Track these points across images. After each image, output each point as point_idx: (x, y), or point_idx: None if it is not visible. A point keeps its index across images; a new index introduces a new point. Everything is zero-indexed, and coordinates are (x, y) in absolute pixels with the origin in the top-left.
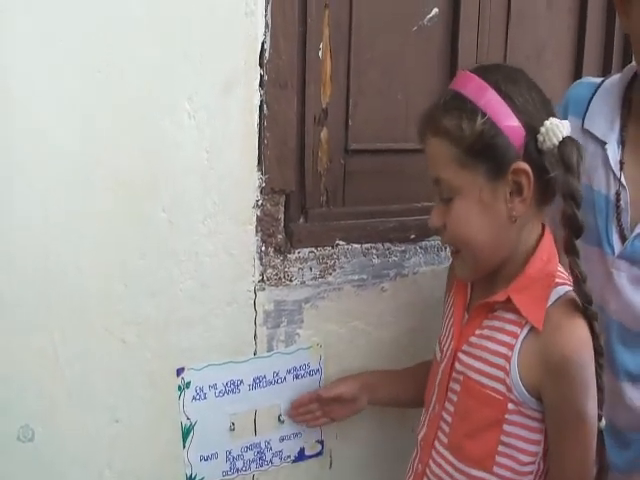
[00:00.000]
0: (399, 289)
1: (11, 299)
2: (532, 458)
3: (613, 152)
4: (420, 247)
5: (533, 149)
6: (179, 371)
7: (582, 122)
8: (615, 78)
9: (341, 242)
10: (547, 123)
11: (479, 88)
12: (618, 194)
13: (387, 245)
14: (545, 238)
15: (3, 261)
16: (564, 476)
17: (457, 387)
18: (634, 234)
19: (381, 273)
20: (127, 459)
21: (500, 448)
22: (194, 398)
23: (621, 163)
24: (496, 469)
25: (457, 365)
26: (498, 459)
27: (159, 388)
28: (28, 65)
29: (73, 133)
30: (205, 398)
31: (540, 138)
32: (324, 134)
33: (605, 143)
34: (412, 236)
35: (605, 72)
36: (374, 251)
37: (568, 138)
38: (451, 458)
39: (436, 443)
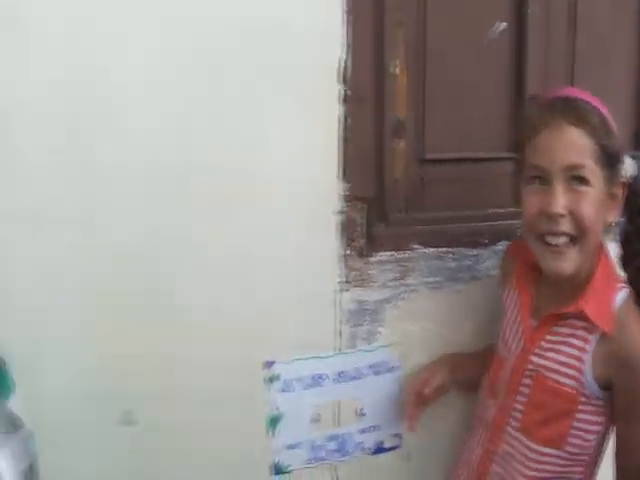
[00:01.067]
0: (473, 291)
1: (120, 298)
2: (596, 435)
3: None
4: (493, 251)
5: None
6: (269, 364)
7: None
8: None
9: (418, 246)
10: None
11: (599, 104)
12: None
13: (461, 249)
14: (603, 249)
15: (114, 265)
16: (631, 455)
17: (529, 382)
18: None
19: (456, 276)
20: (219, 445)
21: (572, 431)
22: (282, 390)
23: None
24: (566, 447)
25: (529, 365)
26: (569, 440)
27: (250, 379)
28: (139, 91)
29: (174, 149)
30: (292, 390)
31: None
32: (401, 145)
33: None
34: (485, 241)
35: None
36: (449, 255)
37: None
38: (524, 439)
39: (508, 427)
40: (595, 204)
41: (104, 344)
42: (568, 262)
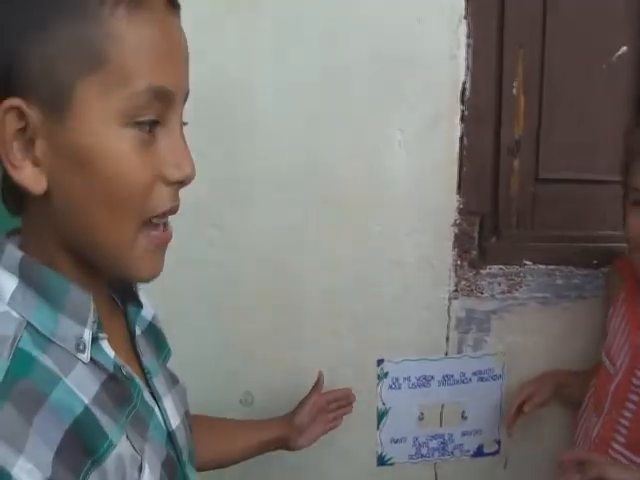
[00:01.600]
0: (579, 310)
1: (247, 290)
2: None
3: None
4: (601, 272)
5: None
6: (379, 362)
7: None
8: None
9: (528, 262)
10: None
11: None
12: None
13: (570, 268)
14: None
15: (236, 257)
16: None
17: (636, 398)
18: None
19: (563, 294)
20: (329, 432)
21: None
22: (390, 387)
23: None
24: None
25: (634, 380)
26: None
27: (361, 375)
28: (273, 102)
29: (303, 158)
30: (400, 388)
31: None
32: (516, 163)
33: None
34: (594, 262)
35: None
36: (558, 273)
37: None
38: (629, 454)
39: (613, 442)
40: None
41: (232, 327)
42: None
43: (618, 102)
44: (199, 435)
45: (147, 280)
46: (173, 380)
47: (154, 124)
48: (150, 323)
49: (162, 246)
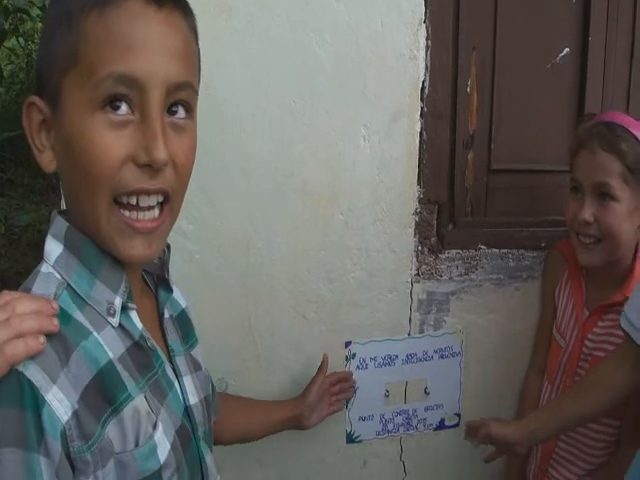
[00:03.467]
0: (530, 289)
1: (218, 280)
2: None
3: None
4: None
5: None
6: (347, 344)
7: None
8: None
9: (483, 246)
10: None
11: (635, 124)
12: None
13: (521, 251)
14: None
15: (210, 250)
16: None
17: (586, 365)
18: None
19: (515, 274)
20: None
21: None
22: (358, 367)
23: None
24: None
25: (584, 350)
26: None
27: (330, 356)
28: (244, 97)
29: (272, 151)
30: (367, 368)
31: None
32: (470, 156)
33: None
34: (543, 244)
35: None
36: (510, 255)
37: None
38: None
39: None
40: (621, 216)
41: (204, 316)
42: (594, 257)
43: (562, 99)
44: (224, 410)
45: (132, 260)
46: (196, 365)
47: (131, 109)
48: (183, 311)
49: (141, 231)
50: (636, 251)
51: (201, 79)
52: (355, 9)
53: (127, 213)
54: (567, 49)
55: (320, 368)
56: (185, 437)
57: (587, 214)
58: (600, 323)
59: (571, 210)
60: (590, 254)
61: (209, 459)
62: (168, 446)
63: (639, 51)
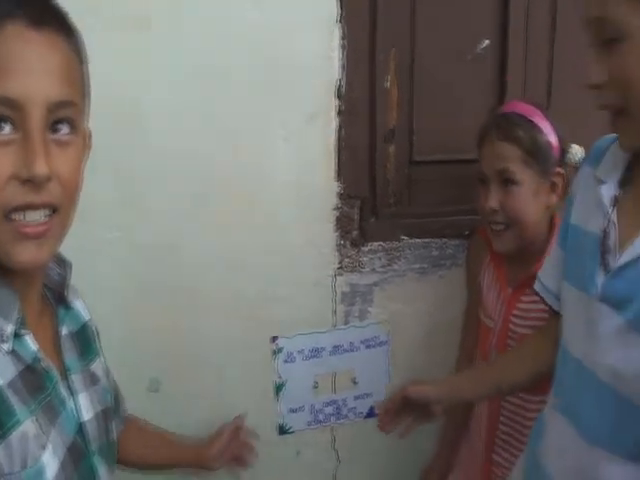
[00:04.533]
0: (454, 276)
1: (145, 283)
2: None
3: (608, 190)
4: None
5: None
6: (274, 338)
7: (595, 170)
8: None
9: (405, 237)
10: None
11: (537, 114)
12: (607, 232)
13: (444, 240)
14: (556, 221)
15: (137, 256)
16: None
17: (513, 343)
18: (613, 272)
19: (439, 263)
20: (230, 408)
21: None
22: (285, 361)
23: (615, 201)
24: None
25: (511, 326)
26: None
27: (258, 352)
28: (163, 104)
29: (193, 155)
30: (294, 361)
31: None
32: (392, 149)
33: (605, 183)
34: (466, 232)
35: None
36: (433, 245)
37: None
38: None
39: None
40: (526, 198)
41: (134, 319)
42: (507, 243)
43: (483, 89)
44: (128, 434)
45: (24, 266)
46: (93, 380)
47: (14, 128)
48: (84, 325)
49: (31, 235)
50: (552, 226)
51: (121, 87)
52: (270, 11)
53: (18, 223)
54: (487, 40)
55: (232, 427)
56: (77, 453)
57: (493, 202)
58: (523, 298)
59: (480, 200)
60: (502, 240)
61: (103, 472)
62: (57, 465)
63: (559, 39)
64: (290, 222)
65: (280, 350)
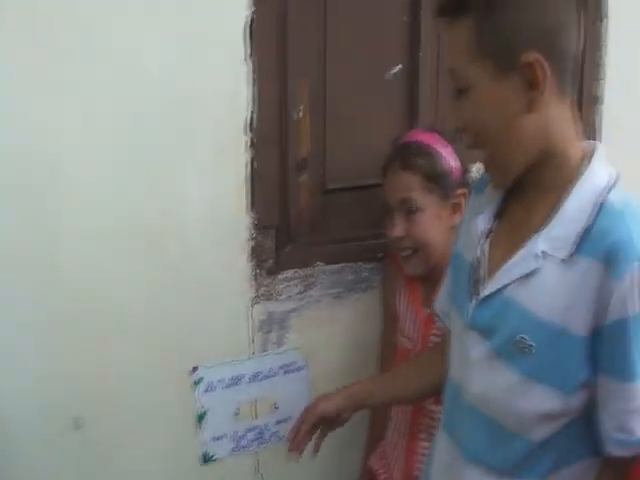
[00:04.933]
0: (369, 299)
1: (69, 325)
2: None
3: (483, 221)
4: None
5: None
6: (194, 369)
7: (478, 199)
8: None
9: (320, 263)
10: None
11: (438, 141)
12: (478, 261)
13: (359, 264)
14: None
15: (57, 295)
16: None
17: None
18: (479, 301)
19: (354, 287)
20: (155, 440)
21: None
22: (206, 390)
23: (489, 232)
24: None
25: (430, 345)
26: None
27: (179, 383)
28: (79, 145)
29: (108, 192)
30: (214, 390)
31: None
32: (305, 178)
33: (482, 213)
34: (380, 255)
35: None
36: (348, 269)
37: None
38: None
39: (426, 404)
40: (429, 223)
41: (54, 357)
42: (416, 266)
43: (396, 114)
44: None
45: None
46: None
47: None
48: None
49: None
50: None
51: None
52: (181, 50)
53: None
54: (399, 66)
55: None
56: None
57: (397, 231)
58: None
59: (387, 228)
60: (411, 264)
61: None
62: None
63: None
64: (205, 254)
65: (200, 380)
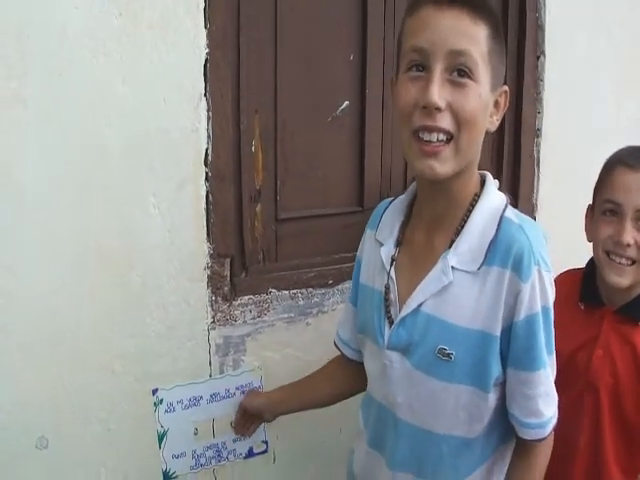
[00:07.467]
0: (320, 323)
1: (28, 346)
2: None
3: (387, 250)
4: (337, 290)
5: None
6: (154, 391)
7: (375, 233)
8: (403, 195)
9: (273, 290)
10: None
11: None
12: (387, 288)
13: (310, 290)
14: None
15: (21, 321)
16: None
17: None
18: (396, 323)
19: (306, 311)
20: (117, 460)
21: None
22: (166, 411)
23: (392, 260)
24: None
25: None
26: None
27: (140, 404)
28: (43, 181)
29: (70, 226)
30: (174, 411)
31: None
32: (258, 209)
33: (383, 245)
34: (330, 281)
35: None
36: (300, 295)
37: None
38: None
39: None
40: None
41: (21, 379)
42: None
43: (344, 147)
44: None
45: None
46: None
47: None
48: None
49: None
50: None
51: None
52: (139, 90)
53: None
54: (347, 102)
55: None
56: None
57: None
58: None
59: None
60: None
61: None
62: None
63: None
64: (164, 282)
65: (161, 401)
